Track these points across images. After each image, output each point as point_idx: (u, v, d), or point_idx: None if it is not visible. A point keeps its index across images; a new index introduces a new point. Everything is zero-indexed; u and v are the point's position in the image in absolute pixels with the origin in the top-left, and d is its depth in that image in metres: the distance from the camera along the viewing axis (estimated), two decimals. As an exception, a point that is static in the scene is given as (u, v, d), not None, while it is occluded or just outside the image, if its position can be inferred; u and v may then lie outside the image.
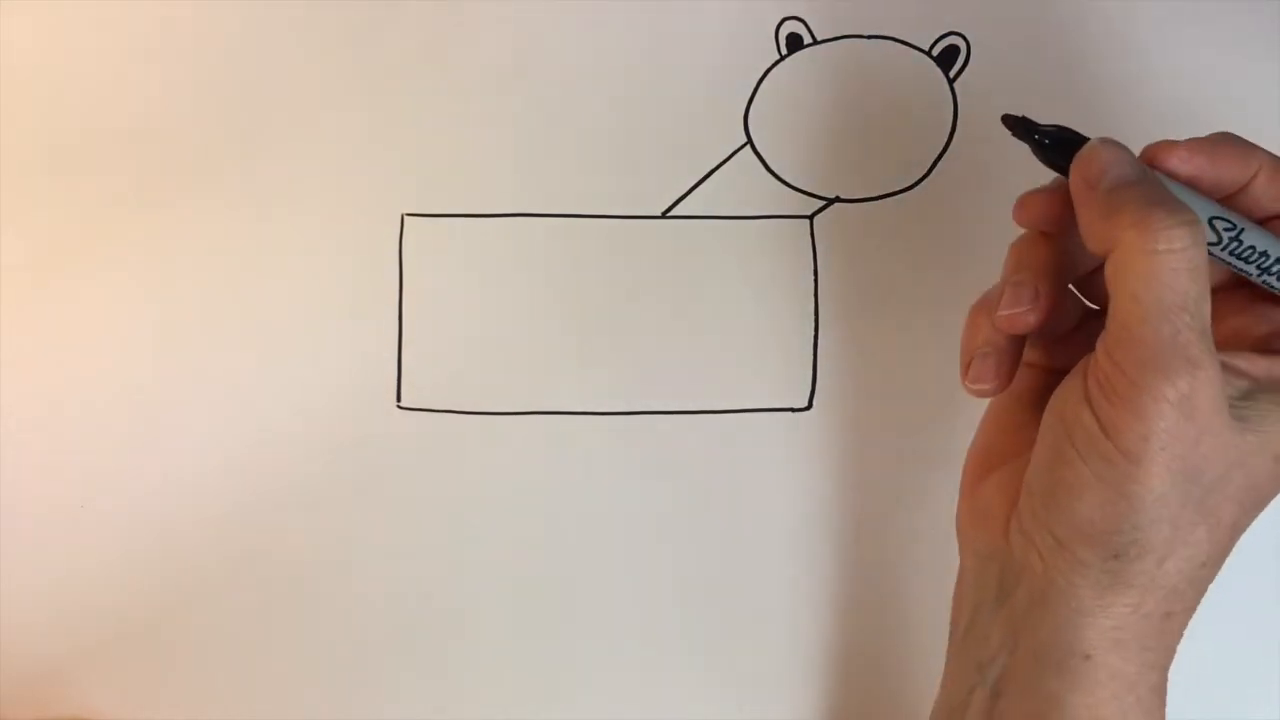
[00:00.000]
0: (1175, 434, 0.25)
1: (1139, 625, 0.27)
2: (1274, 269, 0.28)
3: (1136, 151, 0.28)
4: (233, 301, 0.39)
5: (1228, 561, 0.37)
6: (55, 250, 0.39)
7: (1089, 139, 0.28)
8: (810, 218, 0.39)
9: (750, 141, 0.39)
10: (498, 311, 0.39)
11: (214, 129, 0.40)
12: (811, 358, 0.39)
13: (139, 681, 0.38)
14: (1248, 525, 0.27)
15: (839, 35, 0.40)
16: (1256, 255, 0.28)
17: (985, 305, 0.30)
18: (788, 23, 0.40)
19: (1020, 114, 0.29)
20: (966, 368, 0.30)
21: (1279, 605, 0.37)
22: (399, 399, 0.39)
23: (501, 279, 0.39)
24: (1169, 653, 0.28)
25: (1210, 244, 0.27)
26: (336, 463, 0.39)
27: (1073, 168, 0.27)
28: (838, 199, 0.39)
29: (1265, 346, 0.28)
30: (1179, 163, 0.27)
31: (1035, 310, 0.28)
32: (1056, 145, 0.28)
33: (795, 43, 0.40)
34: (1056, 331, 0.31)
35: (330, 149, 0.40)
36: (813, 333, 0.39)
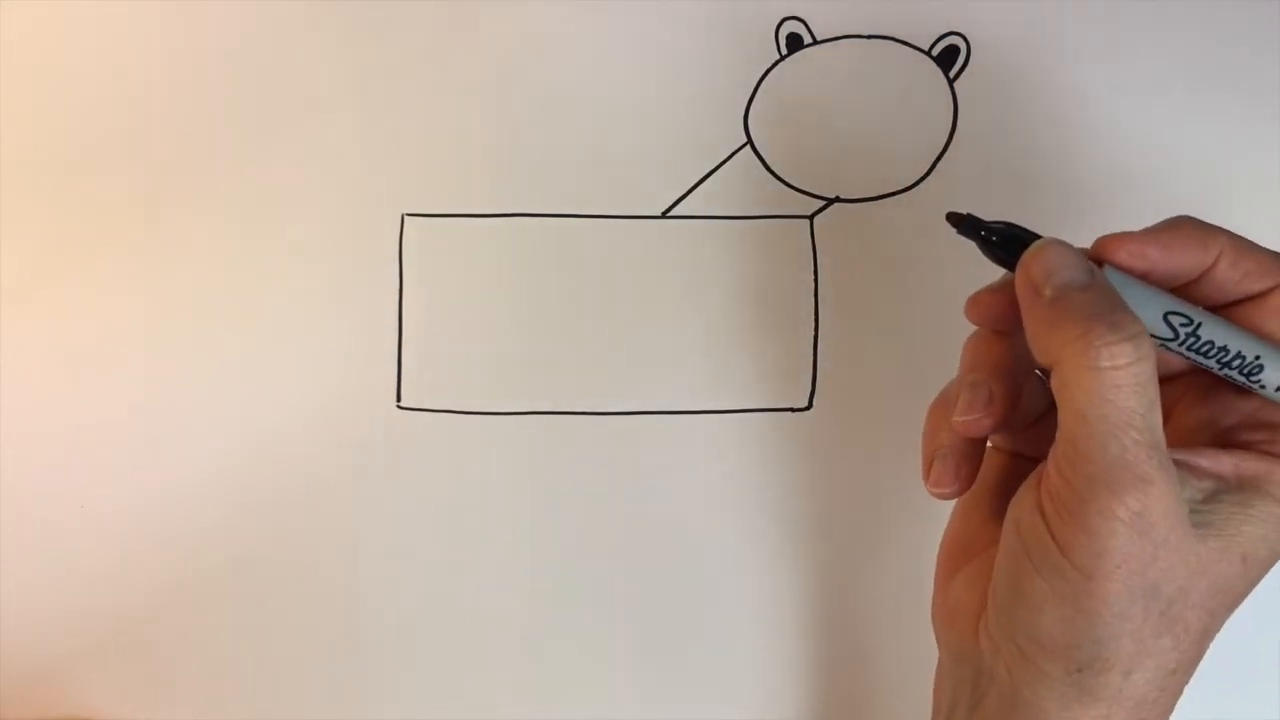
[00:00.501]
0: (1130, 551, 0.24)
1: None
2: (1234, 364, 0.26)
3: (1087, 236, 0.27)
4: (232, 301, 0.39)
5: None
6: (55, 251, 0.39)
7: (1038, 237, 0.27)
8: (810, 218, 0.39)
9: (750, 141, 0.39)
10: (498, 311, 0.39)
11: (214, 130, 0.40)
12: (811, 358, 0.39)
13: (139, 681, 0.38)
14: (1221, 626, 0.27)
15: (839, 35, 0.40)
16: (1215, 350, 0.26)
17: (943, 404, 0.29)
18: (788, 23, 0.40)
19: (965, 211, 0.28)
20: (927, 469, 0.29)
21: (1279, 605, 0.37)
22: (399, 399, 0.39)
23: (501, 279, 0.39)
24: None
25: (1167, 340, 0.26)
26: (336, 463, 0.39)
27: (1018, 271, 0.26)
28: (838, 199, 0.39)
29: (1231, 439, 0.27)
30: (1129, 258, 0.26)
31: (990, 415, 0.28)
32: (1004, 243, 0.27)
33: (795, 43, 0.40)
34: (1023, 423, 0.30)
35: (330, 149, 0.40)
36: (813, 333, 0.39)
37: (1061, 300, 0.25)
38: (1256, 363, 0.26)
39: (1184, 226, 0.27)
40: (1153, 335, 0.26)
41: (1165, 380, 0.28)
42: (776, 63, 0.40)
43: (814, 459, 0.38)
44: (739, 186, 0.39)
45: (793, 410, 0.39)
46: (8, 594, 0.38)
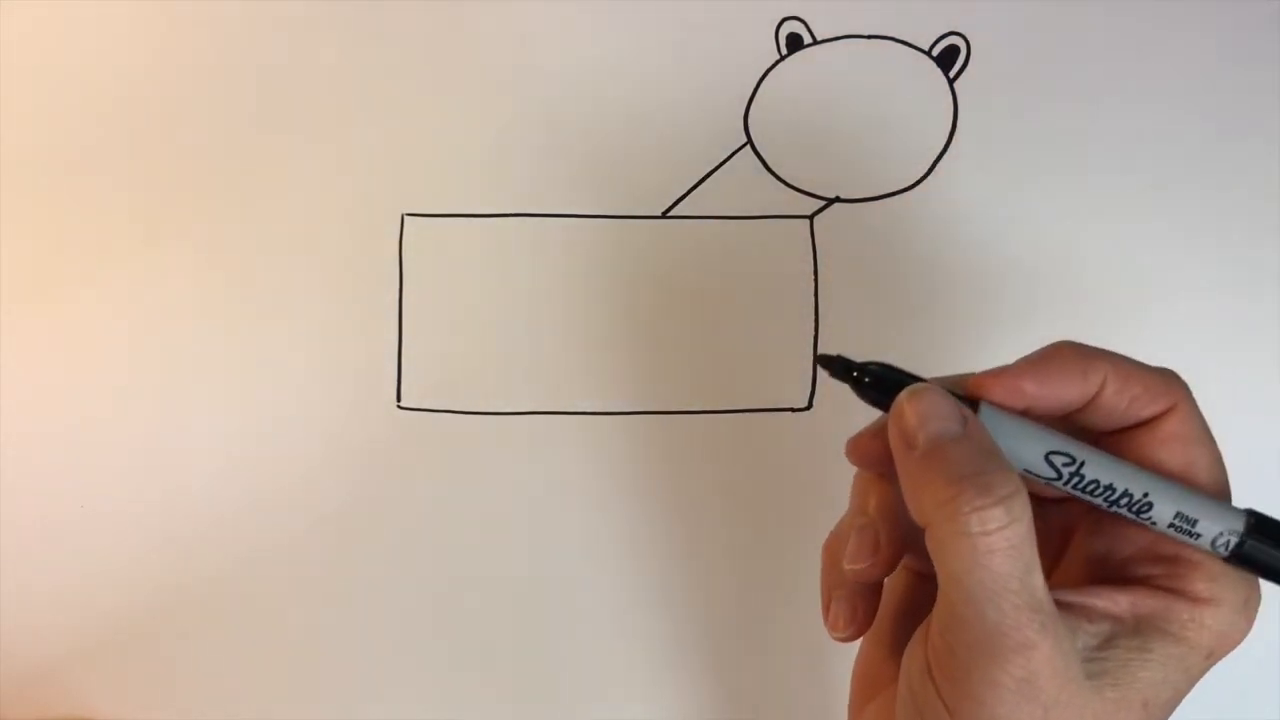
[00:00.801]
0: (1018, 716, 0.23)
1: None
2: (1122, 502, 0.25)
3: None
4: (232, 301, 0.39)
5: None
6: (55, 251, 0.39)
7: (914, 379, 0.26)
8: (810, 218, 0.39)
9: (750, 141, 0.39)
10: (498, 311, 0.39)
11: (213, 130, 0.40)
12: (811, 358, 0.39)
13: (139, 681, 0.38)
14: None
15: (839, 35, 0.40)
16: (1102, 489, 0.25)
17: (836, 541, 0.28)
18: (788, 23, 0.40)
19: (835, 353, 0.27)
20: (826, 610, 0.28)
21: (1279, 606, 0.37)
22: (399, 399, 0.39)
23: (501, 279, 0.39)
24: None
25: (1050, 479, 0.25)
26: (336, 463, 0.39)
27: (890, 420, 0.25)
28: (838, 199, 0.39)
29: (1127, 573, 0.26)
30: (1004, 395, 0.25)
31: (878, 562, 0.26)
32: (876, 384, 0.26)
33: (795, 43, 0.40)
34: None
35: (330, 149, 0.40)
36: (813, 333, 0.39)
37: (932, 455, 0.24)
38: (1145, 500, 0.25)
39: (1063, 355, 0.26)
40: (1035, 475, 0.25)
41: (1059, 503, 0.27)
42: (776, 63, 0.40)
43: (814, 459, 0.38)
44: (739, 186, 0.39)
45: (793, 410, 0.39)
46: (8, 594, 0.38)
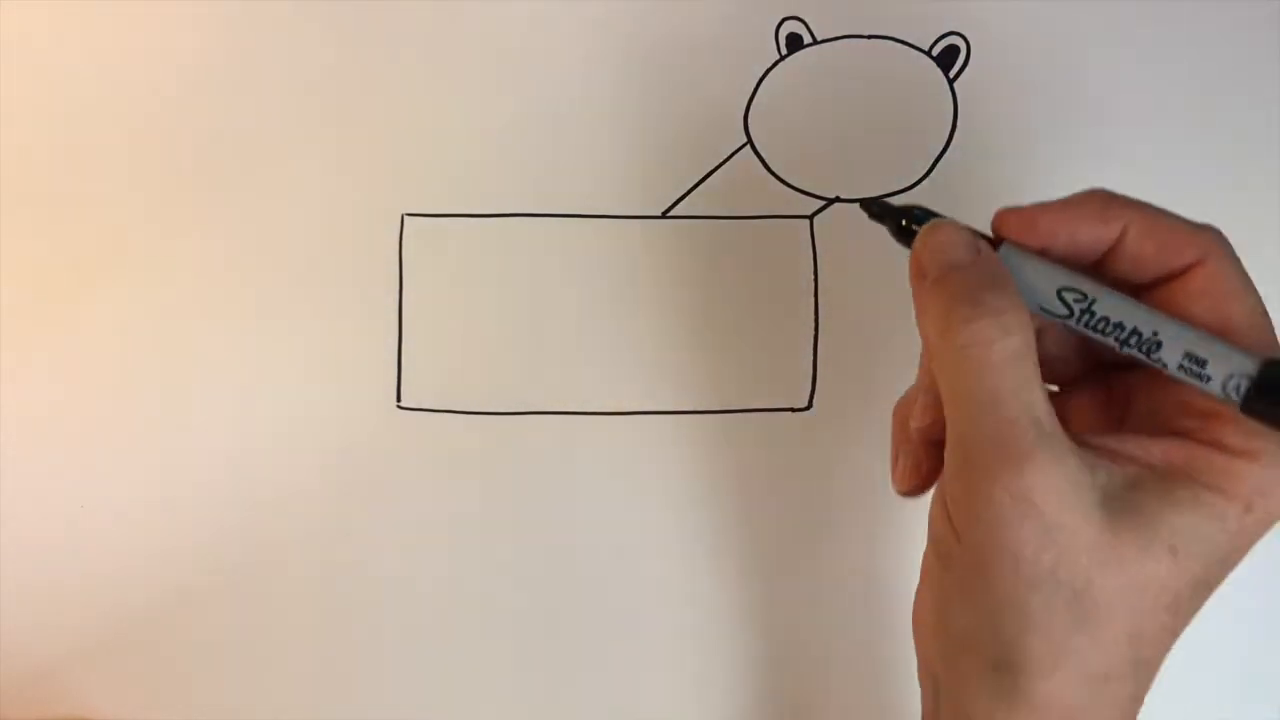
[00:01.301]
0: (1018, 536, 0.23)
1: None
2: (1132, 341, 0.24)
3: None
4: (232, 301, 0.39)
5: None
6: (55, 251, 0.39)
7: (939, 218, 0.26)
8: (810, 218, 0.39)
9: (750, 141, 0.39)
10: (498, 311, 0.39)
11: (213, 130, 0.40)
12: (811, 358, 0.39)
13: (139, 681, 0.38)
14: (1165, 633, 0.24)
15: (839, 35, 0.40)
16: (1112, 327, 0.25)
17: (904, 407, 0.28)
18: (788, 23, 0.40)
19: (874, 196, 0.27)
20: (894, 467, 0.29)
21: (1279, 605, 0.37)
22: (399, 399, 0.39)
23: (501, 279, 0.39)
24: None
25: (1064, 317, 0.25)
26: (336, 463, 0.39)
27: (911, 256, 0.26)
28: (838, 199, 0.39)
29: (1165, 426, 0.25)
30: (1019, 230, 0.25)
31: (939, 421, 0.26)
32: (911, 224, 0.27)
33: (795, 43, 0.40)
34: None
35: (330, 149, 0.40)
36: (813, 333, 0.39)
37: (939, 282, 0.25)
38: (1154, 339, 0.24)
39: (1087, 197, 0.25)
40: (1049, 312, 0.25)
41: (1121, 372, 0.27)
42: (776, 63, 0.40)
43: (814, 459, 0.38)
44: (739, 186, 0.39)
45: (793, 410, 0.39)
46: (8, 594, 0.38)
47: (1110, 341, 0.25)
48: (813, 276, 0.39)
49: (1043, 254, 0.25)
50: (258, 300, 0.39)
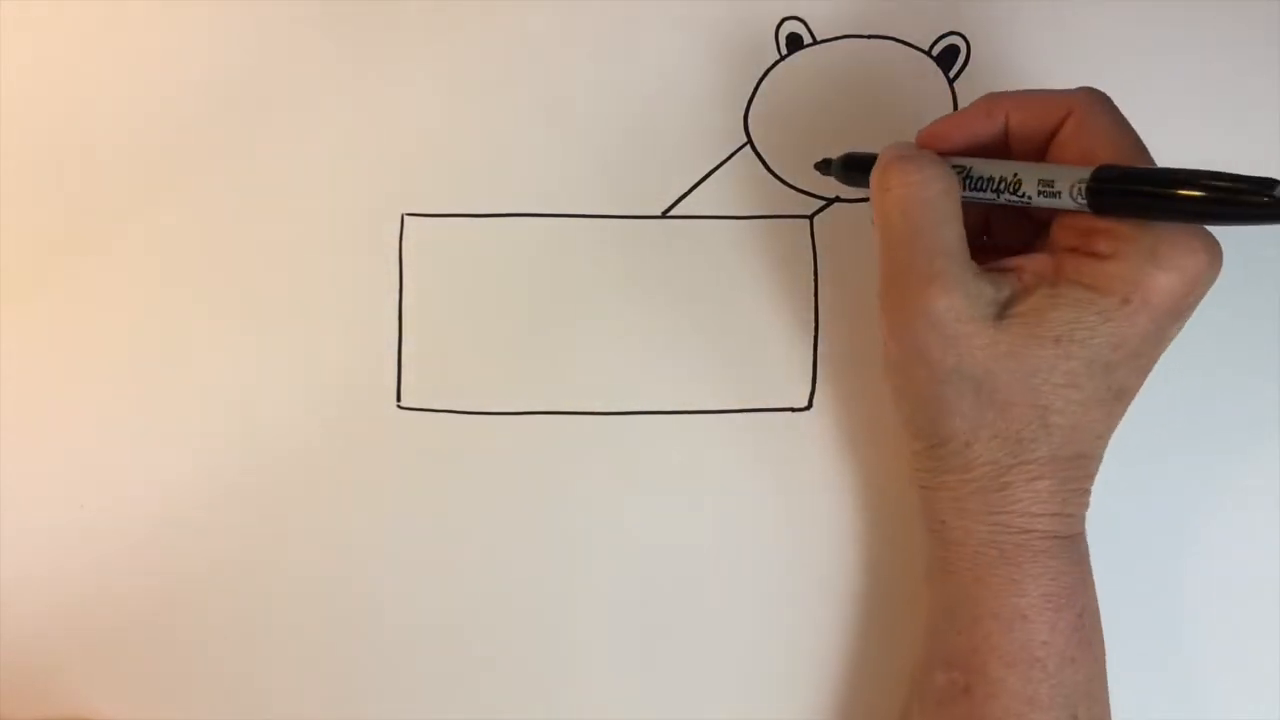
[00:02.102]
0: (924, 343, 0.30)
1: (976, 496, 0.31)
2: (1001, 188, 0.30)
3: None
4: (232, 301, 0.39)
5: (1227, 561, 0.38)
6: (54, 251, 0.40)
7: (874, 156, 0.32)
8: (810, 218, 0.39)
9: (750, 141, 0.39)
10: (498, 311, 0.39)
11: (213, 129, 0.40)
12: (811, 358, 0.39)
13: (139, 681, 0.38)
14: (1072, 404, 0.30)
15: (839, 35, 0.40)
16: (986, 182, 0.30)
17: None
18: (788, 23, 0.40)
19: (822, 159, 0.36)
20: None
21: (1279, 605, 0.37)
22: (399, 399, 0.39)
23: (501, 279, 0.39)
24: (1024, 516, 0.31)
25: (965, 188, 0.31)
26: (336, 463, 0.39)
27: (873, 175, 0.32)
28: (838, 199, 0.39)
29: (1056, 246, 0.31)
30: (933, 141, 0.32)
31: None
32: (855, 166, 0.34)
33: (795, 43, 0.40)
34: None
35: (330, 149, 0.40)
36: (813, 333, 0.39)
37: (884, 160, 0.31)
38: (1016, 179, 0.30)
39: (976, 102, 0.32)
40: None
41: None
42: (776, 63, 0.40)
43: (814, 459, 0.38)
44: (739, 186, 0.39)
45: (793, 410, 0.39)
46: (8, 594, 0.38)
47: (990, 195, 0.30)
48: (813, 276, 0.39)
49: (951, 153, 0.32)
50: (258, 300, 0.39)
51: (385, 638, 0.38)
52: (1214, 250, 0.28)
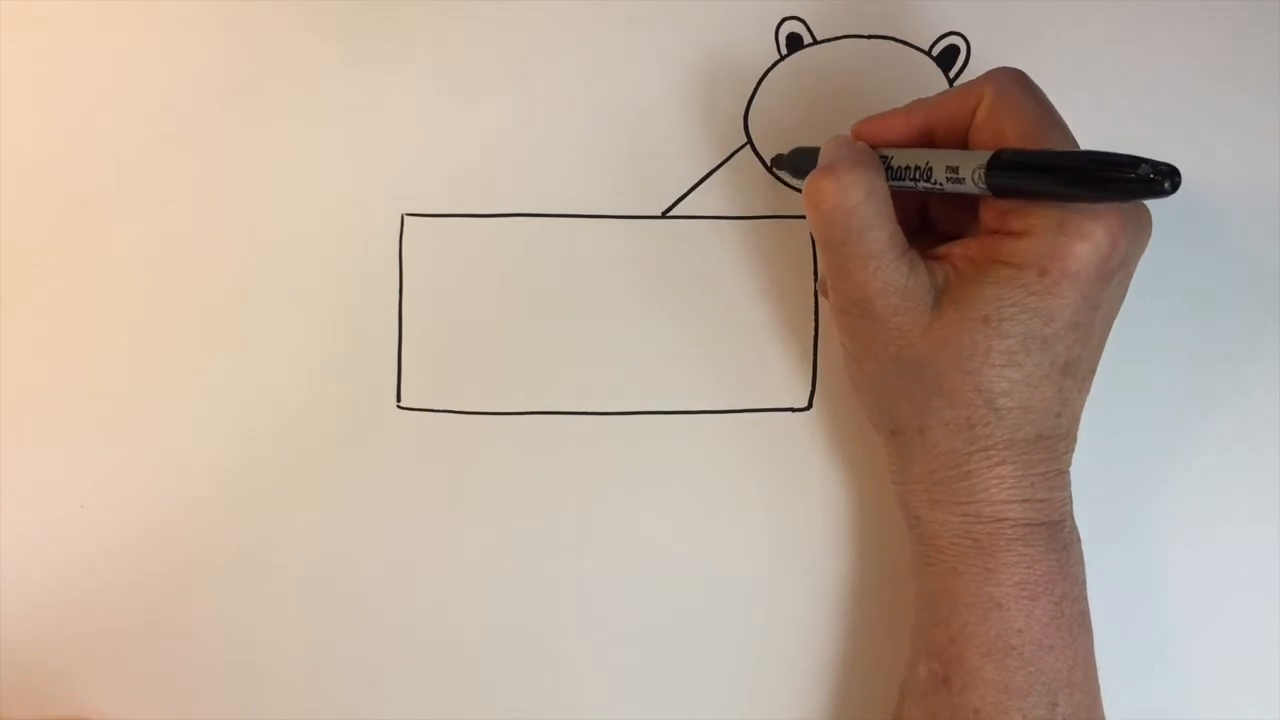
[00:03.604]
0: (869, 338, 0.32)
1: (943, 487, 0.32)
2: (918, 176, 0.31)
3: None
4: (232, 302, 0.39)
5: (1227, 560, 0.37)
6: (54, 250, 0.40)
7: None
8: (810, 218, 0.39)
9: (750, 141, 0.39)
10: (498, 311, 0.39)
11: (213, 129, 0.40)
12: (811, 358, 0.39)
13: (139, 681, 0.38)
14: (1015, 383, 0.30)
15: (839, 35, 0.40)
16: (906, 171, 0.31)
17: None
18: (788, 23, 0.40)
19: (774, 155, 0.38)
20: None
21: (1279, 605, 0.37)
22: (399, 399, 0.39)
23: (501, 279, 0.39)
24: (992, 505, 0.31)
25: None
26: (336, 463, 0.39)
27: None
28: (838, 199, 0.39)
29: (984, 231, 0.32)
30: (868, 135, 0.33)
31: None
32: (798, 161, 0.36)
33: (795, 43, 0.40)
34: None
35: (330, 148, 0.40)
36: (813, 333, 0.39)
37: (820, 165, 0.32)
38: (927, 167, 0.31)
39: (903, 106, 0.33)
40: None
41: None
42: (776, 63, 0.40)
43: (814, 459, 0.38)
44: (739, 186, 0.39)
45: (793, 410, 0.39)
46: (8, 594, 0.39)
47: (910, 184, 0.32)
48: (813, 276, 0.39)
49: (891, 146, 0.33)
50: (258, 300, 0.39)
51: (385, 637, 0.38)
52: (1126, 213, 0.29)
